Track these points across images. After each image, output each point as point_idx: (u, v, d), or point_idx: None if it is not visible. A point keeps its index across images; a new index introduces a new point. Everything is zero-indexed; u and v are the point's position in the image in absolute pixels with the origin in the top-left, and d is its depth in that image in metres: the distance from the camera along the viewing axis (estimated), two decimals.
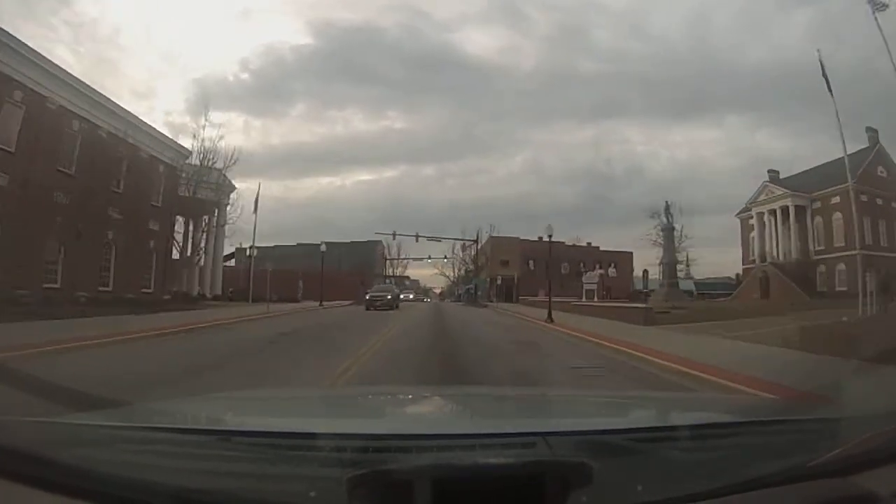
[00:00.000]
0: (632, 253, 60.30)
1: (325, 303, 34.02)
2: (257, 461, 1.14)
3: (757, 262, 44.78)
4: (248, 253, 29.51)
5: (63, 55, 68.68)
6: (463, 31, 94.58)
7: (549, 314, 18.58)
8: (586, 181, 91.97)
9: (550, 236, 21.25)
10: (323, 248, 37.58)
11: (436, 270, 73.18)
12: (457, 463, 1.07)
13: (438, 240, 49.37)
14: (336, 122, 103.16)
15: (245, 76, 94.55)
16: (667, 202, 31.40)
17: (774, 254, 43.12)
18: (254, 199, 30.85)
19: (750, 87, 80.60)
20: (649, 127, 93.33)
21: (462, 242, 50.05)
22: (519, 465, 1.04)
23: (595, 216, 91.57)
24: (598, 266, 65.74)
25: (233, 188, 39.50)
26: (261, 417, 1.87)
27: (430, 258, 63.73)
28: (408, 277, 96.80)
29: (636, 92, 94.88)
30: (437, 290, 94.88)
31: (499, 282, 40.66)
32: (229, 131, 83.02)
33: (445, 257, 64.37)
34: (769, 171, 46.91)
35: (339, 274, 47.96)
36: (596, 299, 29.31)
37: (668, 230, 32.15)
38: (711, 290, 54.70)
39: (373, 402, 2.45)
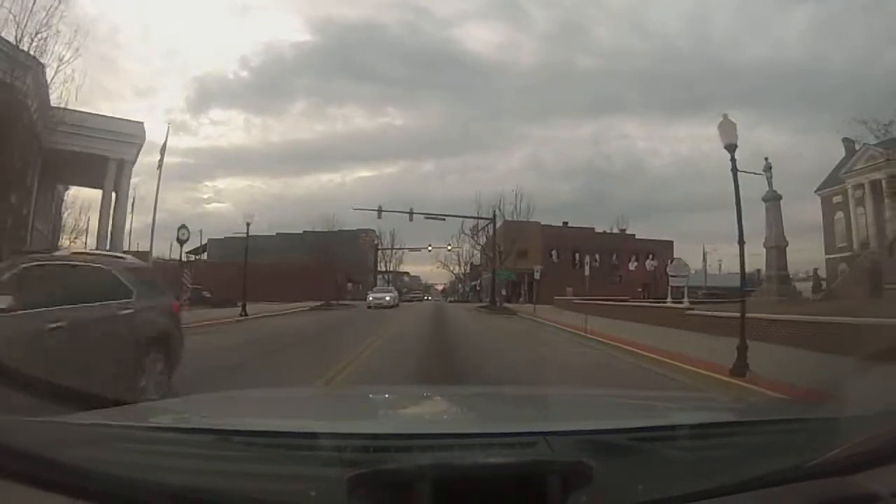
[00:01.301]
0: (672, 242, 55.04)
1: (267, 307, 26.54)
2: (258, 461, 1.20)
3: (856, 248, 32.75)
4: (177, 234, 17.47)
5: (61, 54, 59.04)
6: (463, 28, 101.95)
7: (742, 355, 7.83)
8: (586, 177, 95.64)
9: (734, 166, 8.70)
10: (249, 220, 23.84)
11: (437, 264, 61.87)
12: (457, 463, 1.12)
13: (442, 218, 37.58)
14: (336, 119, 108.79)
15: (245, 74, 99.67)
16: (766, 160, 20.53)
17: (871, 238, 35.07)
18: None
19: (750, 84, 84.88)
20: (649, 123, 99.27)
21: (474, 224, 36.76)
22: (519, 464, 1.09)
23: (595, 212, 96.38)
24: (634, 258, 53.34)
25: (141, 138, 26.92)
26: (261, 417, 1.87)
27: (430, 248, 51.69)
28: (406, 273, 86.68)
29: (635, 88, 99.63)
30: (440, 287, 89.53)
31: (537, 276, 27.49)
32: (230, 129, 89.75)
33: (449, 246, 52.45)
34: (845, 140, 37.92)
35: (314, 268, 36.31)
36: (686, 301, 20.11)
37: (773, 200, 20.31)
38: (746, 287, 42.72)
39: (373, 401, 2.47)
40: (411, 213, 38.14)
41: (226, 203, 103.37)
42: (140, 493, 1.03)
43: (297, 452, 1.20)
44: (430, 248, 55.46)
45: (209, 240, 71.08)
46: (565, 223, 52.18)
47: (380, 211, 37.49)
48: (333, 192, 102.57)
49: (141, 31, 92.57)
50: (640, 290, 46.68)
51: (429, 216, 38.85)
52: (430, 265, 71.97)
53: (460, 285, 73.24)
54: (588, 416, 1.89)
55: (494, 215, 38.50)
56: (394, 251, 66.37)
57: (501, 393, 2.95)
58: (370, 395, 2.76)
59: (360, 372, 8.95)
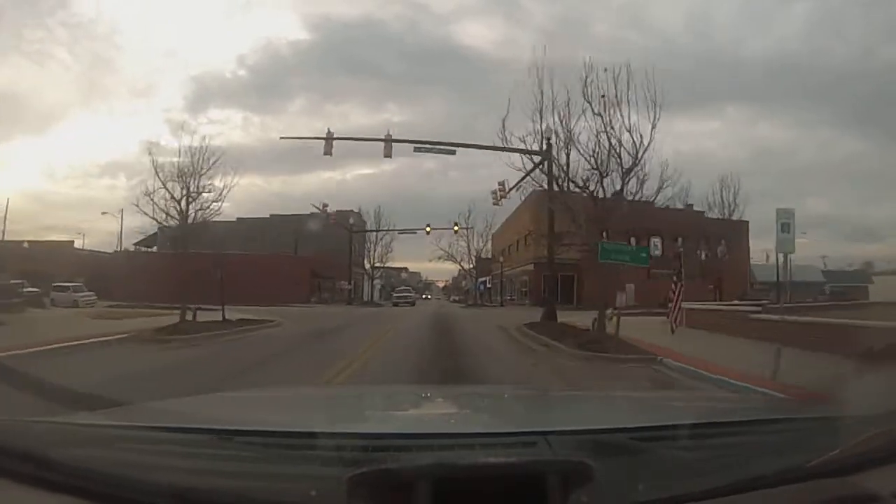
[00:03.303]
0: (748, 223, 41.78)
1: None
2: (258, 460, 1.19)
3: None
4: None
5: (60, 55, 68.82)
6: (462, 24, 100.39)
7: None
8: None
9: None
10: None
11: (441, 253, 48.93)
12: (458, 462, 1.10)
13: (451, 151, 22.54)
14: (335, 116, 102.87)
15: (242, 72, 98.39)
16: None
17: None
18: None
19: (751, 78, 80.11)
20: (649, 118, 75.89)
21: (499, 186, 19.82)
22: (520, 464, 1.08)
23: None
24: (702, 242, 39.38)
25: None
26: (262, 416, 1.82)
27: (428, 228, 41.47)
28: (405, 269, 73.24)
29: (637, 83, 78.58)
30: (441, 284, 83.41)
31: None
32: (228, 128, 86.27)
33: (456, 226, 41.77)
34: None
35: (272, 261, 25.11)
36: None
37: None
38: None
39: (374, 401, 2.42)
40: (388, 139, 23.26)
41: (224, 202, 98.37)
42: (141, 493, 1.02)
43: (297, 452, 1.19)
44: (428, 228, 41.32)
45: (160, 228, 57.64)
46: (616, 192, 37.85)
47: (328, 139, 22.06)
48: (333, 190, 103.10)
49: (138, 31, 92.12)
50: (711, 287, 34.34)
51: (422, 147, 23.72)
52: (429, 258, 58.97)
53: (464, 281, 63.56)
54: (588, 416, 1.87)
55: (549, 144, 16.79)
56: (380, 234, 51.29)
57: (502, 393, 2.94)
58: (370, 395, 2.74)
59: None
